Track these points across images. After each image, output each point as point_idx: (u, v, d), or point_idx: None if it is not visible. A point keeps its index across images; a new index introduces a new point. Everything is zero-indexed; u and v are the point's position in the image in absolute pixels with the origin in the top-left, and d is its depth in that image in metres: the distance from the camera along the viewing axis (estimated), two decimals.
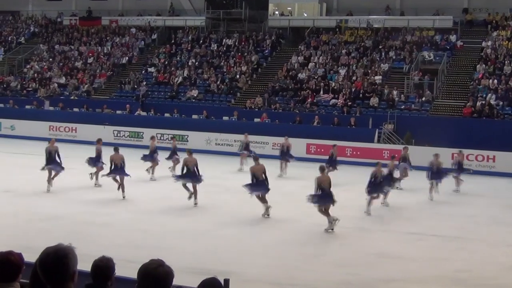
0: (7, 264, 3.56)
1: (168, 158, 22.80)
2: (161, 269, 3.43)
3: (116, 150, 18.91)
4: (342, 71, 34.24)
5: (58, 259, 3.29)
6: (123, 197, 18.13)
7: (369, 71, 33.88)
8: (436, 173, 20.38)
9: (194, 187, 17.60)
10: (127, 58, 40.76)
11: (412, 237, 15.18)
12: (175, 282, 3.51)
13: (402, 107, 31.11)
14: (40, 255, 3.36)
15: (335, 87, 33.25)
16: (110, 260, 3.81)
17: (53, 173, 19.13)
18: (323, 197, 15.03)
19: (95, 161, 20.37)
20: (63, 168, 19.27)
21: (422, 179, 20.56)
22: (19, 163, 24.30)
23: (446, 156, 26.31)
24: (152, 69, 38.56)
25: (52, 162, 19.23)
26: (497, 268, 12.65)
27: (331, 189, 15.15)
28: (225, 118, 32.41)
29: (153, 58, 39.72)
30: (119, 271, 4.02)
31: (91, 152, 20.50)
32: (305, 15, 41.50)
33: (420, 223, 16.56)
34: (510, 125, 28.64)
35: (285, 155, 24.53)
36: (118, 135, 31.83)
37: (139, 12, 45.03)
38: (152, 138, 23.51)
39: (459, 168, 22.16)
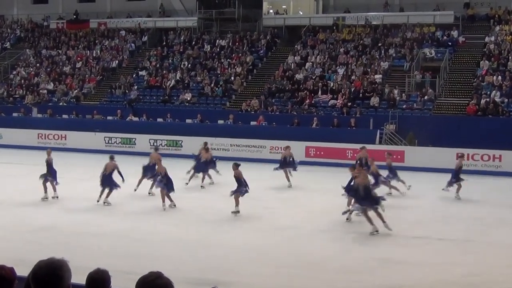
0: None
1: None
2: (159, 281, 3.39)
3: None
4: (341, 71, 33.75)
5: (51, 272, 3.32)
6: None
7: (369, 70, 33.40)
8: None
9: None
10: (117, 61, 40.24)
11: (417, 241, 14.91)
12: None
13: (404, 106, 30.58)
14: (33, 269, 3.40)
15: (334, 87, 32.71)
16: (105, 272, 3.81)
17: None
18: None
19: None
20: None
21: (426, 182, 20.69)
22: (7, 173, 24.08)
23: (451, 156, 25.89)
24: (143, 73, 38.01)
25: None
26: (507, 272, 12.42)
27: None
28: (220, 121, 31.86)
29: (144, 61, 39.17)
30: (115, 283, 3.94)
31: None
32: (301, 13, 41.56)
33: (425, 226, 16.31)
34: None
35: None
36: (110, 142, 31.41)
37: (129, 14, 44.66)
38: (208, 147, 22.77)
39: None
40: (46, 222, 15.82)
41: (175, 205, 17.75)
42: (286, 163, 22.73)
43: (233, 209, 16.84)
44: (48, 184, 18.80)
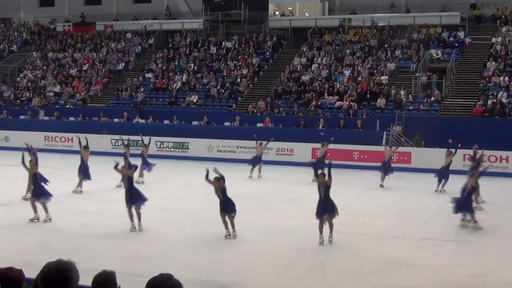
0: (7, 281, 3.53)
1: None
2: (169, 282, 3.37)
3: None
4: (347, 72, 33.55)
5: (60, 274, 3.35)
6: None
7: (375, 71, 33.22)
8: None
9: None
10: (123, 64, 40.06)
11: (424, 242, 14.68)
12: None
13: (410, 107, 30.41)
14: (42, 270, 3.40)
15: (340, 89, 32.54)
16: (111, 274, 3.73)
17: None
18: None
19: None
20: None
21: (432, 183, 20.47)
22: (14, 176, 23.39)
23: (457, 157, 25.73)
24: (149, 75, 37.87)
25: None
26: None
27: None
28: (227, 123, 31.75)
29: (150, 63, 39.02)
30: (121, 285, 3.85)
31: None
32: (307, 14, 41.08)
33: (432, 228, 16.10)
34: None
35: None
36: (116, 144, 31.01)
37: (135, 16, 44.50)
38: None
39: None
40: (52, 224, 15.73)
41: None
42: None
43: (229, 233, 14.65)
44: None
